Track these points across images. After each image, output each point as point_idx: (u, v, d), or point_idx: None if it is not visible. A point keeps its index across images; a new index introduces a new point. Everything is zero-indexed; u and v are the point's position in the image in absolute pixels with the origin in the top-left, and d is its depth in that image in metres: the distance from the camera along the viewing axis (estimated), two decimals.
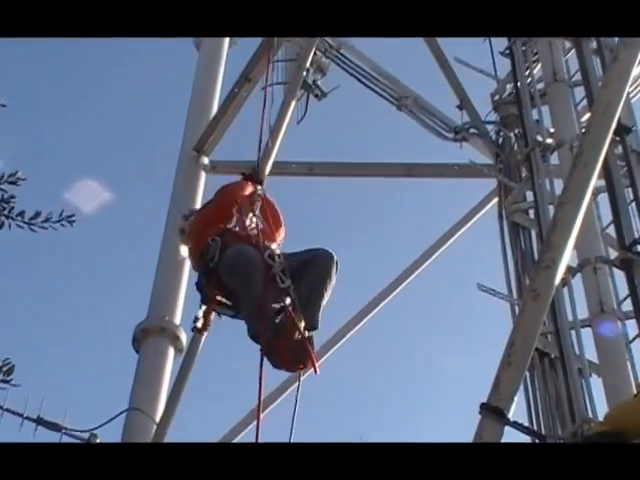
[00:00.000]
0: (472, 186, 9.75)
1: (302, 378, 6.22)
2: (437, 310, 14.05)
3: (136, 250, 13.46)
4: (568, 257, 5.02)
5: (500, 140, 9.34)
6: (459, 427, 10.40)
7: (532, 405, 7.30)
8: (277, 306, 6.28)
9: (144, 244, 12.48)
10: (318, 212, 13.67)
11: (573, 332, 6.82)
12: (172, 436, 7.49)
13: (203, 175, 9.76)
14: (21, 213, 6.53)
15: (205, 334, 6.82)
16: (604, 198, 7.32)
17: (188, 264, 8.45)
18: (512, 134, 9.19)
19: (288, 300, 6.24)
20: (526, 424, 6.27)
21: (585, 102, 8.05)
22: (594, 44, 8.20)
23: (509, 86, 9.27)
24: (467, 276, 11.16)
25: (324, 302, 6.37)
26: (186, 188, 9.58)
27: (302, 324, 6.13)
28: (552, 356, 7.25)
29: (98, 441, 7.57)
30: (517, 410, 4.61)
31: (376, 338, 11.47)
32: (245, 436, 8.32)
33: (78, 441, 7.59)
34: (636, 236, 7.01)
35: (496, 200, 9.01)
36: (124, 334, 8.77)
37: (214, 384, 12.24)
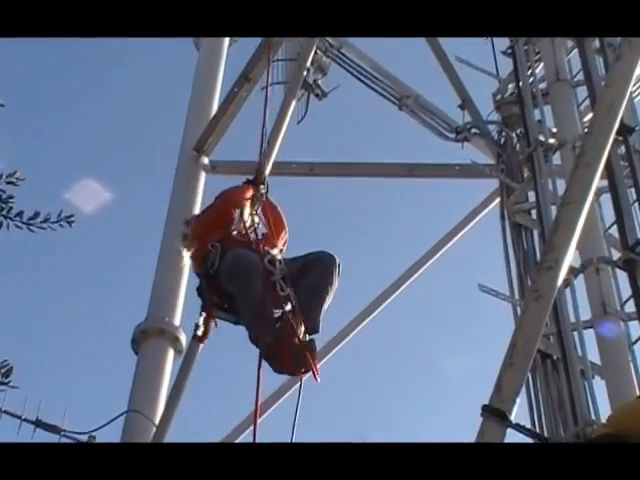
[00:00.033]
0: (474, 186, 9.76)
1: (303, 380, 6.18)
2: (439, 311, 14.05)
3: (136, 250, 13.50)
4: (570, 258, 4.97)
5: (502, 140, 9.30)
6: (461, 428, 10.40)
7: (534, 407, 7.25)
8: (277, 311, 6.27)
9: (144, 244, 12.53)
10: (319, 213, 13.69)
11: (575, 333, 6.79)
12: (171, 438, 7.52)
13: (203, 175, 9.75)
14: (20, 213, 6.49)
15: (205, 342, 6.77)
16: (607, 198, 7.28)
17: (188, 265, 8.43)
18: (514, 134, 9.16)
19: (288, 306, 6.22)
20: (528, 426, 6.24)
21: (588, 102, 8.01)
22: (597, 43, 8.17)
23: (511, 86, 9.22)
24: (469, 277, 11.17)
25: (326, 306, 6.36)
26: (186, 188, 9.57)
27: (302, 328, 6.10)
28: (554, 357, 7.23)
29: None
30: (519, 412, 4.58)
31: (378, 339, 11.48)
32: (245, 438, 8.26)
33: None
34: (639, 236, 6.97)
35: (498, 200, 8.97)
36: (123, 335, 8.80)
37: (214, 386, 12.25)
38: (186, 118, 10.15)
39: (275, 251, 6.58)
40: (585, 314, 6.93)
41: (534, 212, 8.19)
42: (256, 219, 6.90)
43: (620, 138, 7.15)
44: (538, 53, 8.79)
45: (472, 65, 9.40)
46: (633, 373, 6.65)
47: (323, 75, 9.27)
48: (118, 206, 12.20)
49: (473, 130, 9.47)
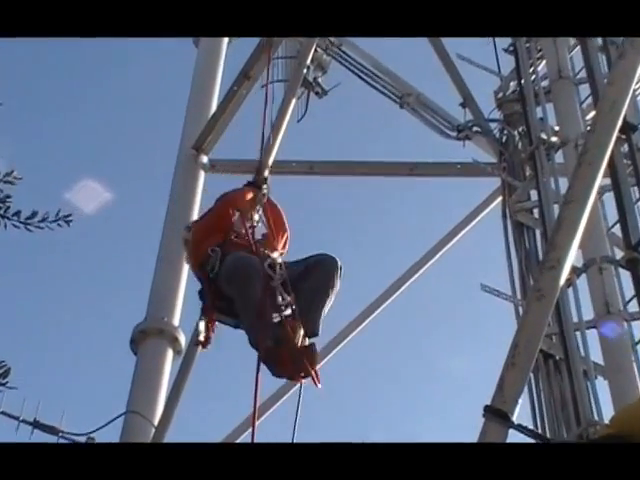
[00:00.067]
0: (475, 185, 9.74)
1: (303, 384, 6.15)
2: (440, 311, 14.00)
3: (135, 250, 13.48)
4: (573, 257, 4.91)
5: (504, 138, 9.27)
6: (463, 429, 10.37)
7: (537, 408, 7.25)
8: (277, 314, 6.24)
9: (143, 244, 12.50)
10: (319, 212, 13.64)
11: (578, 333, 6.76)
12: (171, 439, 7.52)
13: (202, 174, 9.73)
14: (17, 213, 6.49)
15: (209, 347, 6.72)
16: (610, 197, 7.25)
17: (187, 266, 8.41)
18: (516, 132, 9.13)
19: (288, 310, 6.20)
20: (530, 427, 6.20)
21: (590, 100, 7.98)
22: (599, 41, 8.12)
23: (513, 83, 9.19)
24: (470, 276, 11.14)
25: (326, 309, 6.34)
26: (185, 187, 9.54)
27: (301, 332, 6.06)
28: (557, 358, 7.21)
29: None
30: (521, 413, 4.52)
31: (379, 338, 11.45)
32: (245, 440, 8.20)
33: None
34: None
35: (500, 199, 8.94)
36: (122, 335, 8.78)
37: (213, 386, 12.21)
38: (185, 116, 10.14)
39: (275, 254, 6.52)
40: (588, 314, 6.92)
41: (536, 211, 8.18)
42: (256, 218, 6.84)
43: (623, 136, 7.09)
44: (540, 50, 8.76)
45: (474, 63, 9.38)
46: (636, 373, 6.62)
47: (323, 73, 9.22)
48: (117, 206, 12.20)
49: (475, 128, 9.43)
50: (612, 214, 7.24)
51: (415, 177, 10.01)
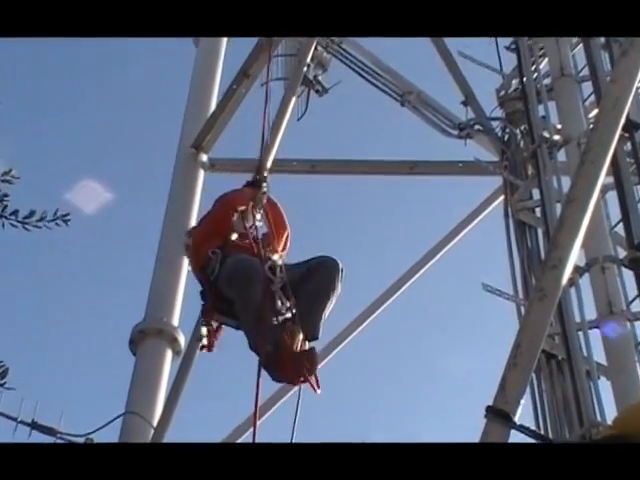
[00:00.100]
0: (477, 184, 9.71)
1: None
2: (442, 310, 13.98)
3: (134, 250, 13.46)
4: (576, 256, 4.88)
5: (506, 137, 9.26)
6: (464, 429, 10.34)
7: (539, 408, 7.24)
8: (277, 318, 6.21)
9: (142, 244, 12.49)
10: (319, 210, 13.60)
11: (581, 333, 6.73)
12: (170, 440, 7.47)
13: (202, 173, 9.70)
14: (15, 212, 6.44)
15: (214, 350, 6.68)
16: (612, 196, 7.21)
17: (186, 264, 8.39)
18: (518, 130, 9.11)
19: (288, 315, 6.17)
20: (533, 428, 6.18)
21: (593, 97, 7.95)
22: (602, 39, 8.09)
23: (515, 81, 9.18)
24: (472, 276, 11.11)
25: (326, 312, 6.31)
26: (184, 187, 9.52)
27: (300, 336, 6.02)
28: (559, 358, 7.20)
29: None
30: (523, 413, 4.47)
31: (380, 338, 11.43)
32: (245, 440, 8.17)
33: None
34: None
35: (502, 198, 8.92)
36: (121, 336, 8.75)
37: (213, 387, 12.17)
38: (184, 115, 10.12)
39: (276, 257, 6.48)
40: (590, 314, 6.89)
41: (538, 210, 8.16)
42: (257, 217, 6.79)
43: (626, 134, 7.07)
44: (542, 48, 8.74)
45: (475, 61, 9.37)
46: (639, 373, 6.59)
47: (324, 71, 9.18)
48: (117, 206, 12.17)
49: (476, 127, 9.41)
50: (615, 213, 7.25)
51: (416, 176, 9.97)
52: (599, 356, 6.74)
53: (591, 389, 6.49)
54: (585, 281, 7.00)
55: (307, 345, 6.13)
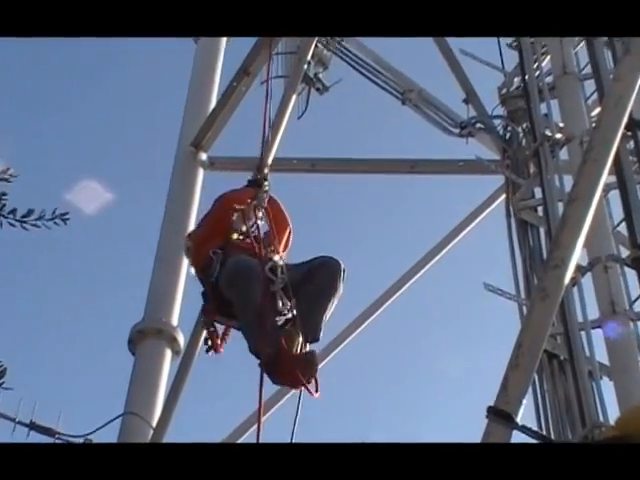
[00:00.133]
0: (478, 183, 9.68)
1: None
2: (443, 310, 13.98)
3: (133, 250, 13.45)
4: (578, 256, 4.83)
5: (507, 135, 9.24)
6: (465, 429, 10.32)
7: (541, 409, 7.21)
8: (278, 319, 6.17)
9: (141, 244, 12.47)
10: (319, 210, 13.55)
11: (583, 333, 6.71)
12: (169, 441, 7.35)
13: (201, 172, 9.67)
14: (13, 211, 6.41)
15: (222, 351, 6.64)
16: (615, 195, 7.20)
17: (185, 264, 8.39)
18: (520, 129, 9.09)
19: (289, 315, 6.14)
20: (535, 428, 6.15)
21: (595, 96, 7.93)
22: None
23: (517, 79, 9.17)
24: (473, 275, 11.08)
25: (328, 314, 6.29)
26: (183, 185, 9.48)
27: (300, 339, 5.99)
28: (561, 358, 7.18)
29: None
30: (525, 414, 4.43)
31: (380, 338, 11.39)
32: (245, 440, 8.23)
33: None
34: None
35: (503, 197, 8.91)
36: (120, 336, 8.72)
37: (212, 387, 12.11)
38: (184, 113, 10.09)
39: (277, 257, 6.44)
40: (593, 313, 6.87)
41: (540, 209, 8.13)
42: (259, 215, 6.74)
43: (629, 133, 7.05)
44: (545, 46, 8.71)
45: (477, 58, 9.35)
46: None
47: (324, 69, 9.19)
48: (116, 205, 12.12)
49: (478, 125, 9.39)
50: (618, 212, 7.22)
51: (417, 175, 9.94)
52: (601, 356, 6.73)
53: (593, 389, 6.47)
54: (587, 280, 6.99)
55: (307, 347, 6.09)
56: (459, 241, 9.37)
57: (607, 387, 6.56)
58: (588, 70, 8.12)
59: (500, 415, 4.29)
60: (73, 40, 8.85)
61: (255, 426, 6.06)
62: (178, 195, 9.39)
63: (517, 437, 4.35)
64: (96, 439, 7.54)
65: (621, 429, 4.49)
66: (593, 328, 6.75)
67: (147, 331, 8.48)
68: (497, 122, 9.34)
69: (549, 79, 8.47)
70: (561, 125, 8.10)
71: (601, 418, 6.32)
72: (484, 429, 4.28)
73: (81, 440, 7.54)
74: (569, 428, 6.94)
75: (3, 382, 6.11)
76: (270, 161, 7.24)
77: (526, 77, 8.46)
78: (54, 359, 13.88)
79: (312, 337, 6.14)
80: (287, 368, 5.91)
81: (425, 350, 13.85)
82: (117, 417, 7.76)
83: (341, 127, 13.14)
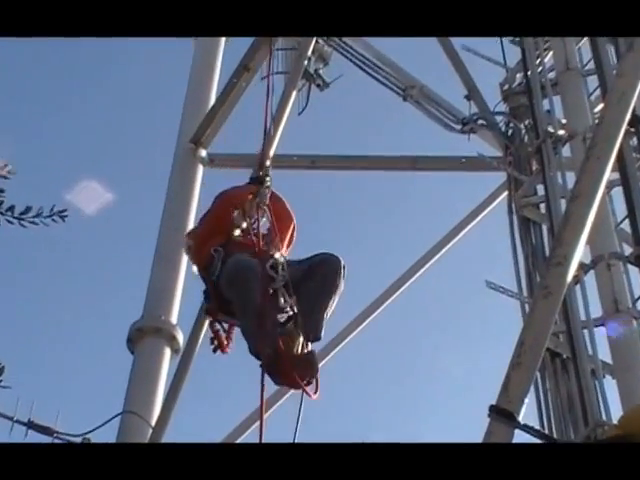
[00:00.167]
0: (480, 180, 9.69)
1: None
2: (444, 308, 13.97)
3: (132, 247, 13.47)
4: (581, 253, 4.84)
5: (510, 132, 9.20)
6: (466, 429, 10.30)
7: (543, 408, 7.21)
8: (279, 317, 6.17)
9: (140, 242, 12.46)
10: (320, 207, 13.53)
11: (586, 331, 6.69)
12: (168, 440, 7.36)
13: (201, 169, 9.64)
14: (11, 208, 6.39)
15: (228, 351, 6.61)
16: (618, 192, 7.18)
17: (185, 262, 8.38)
18: (522, 125, 9.07)
19: (290, 313, 6.13)
20: (537, 427, 6.14)
21: (599, 92, 7.90)
22: None
23: (519, 75, 9.13)
24: (475, 273, 11.02)
25: (329, 312, 6.27)
26: (183, 183, 9.45)
27: (301, 339, 5.95)
28: (564, 356, 7.17)
29: None
30: (527, 413, 4.44)
31: (381, 337, 11.39)
32: (245, 440, 8.18)
33: None
34: None
35: (505, 194, 8.88)
36: (119, 334, 8.69)
37: (212, 386, 12.10)
38: (183, 109, 10.06)
39: (278, 255, 6.40)
40: (596, 311, 6.84)
41: (543, 206, 8.11)
42: (261, 212, 6.70)
43: (632, 129, 7.03)
44: (547, 42, 8.68)
45: (479, 54, 9.31)
46: None
47: (325, 65, 9.15)
48: (115, 204, 12.10)
49: (480, 121, 9.35)
50: (621, 209, 7.20)
51: (418, 171, 9.95)
52: (604, 354, 6.71)
53: (596, 388, 6.46)
54: (590, 278, 6.97)
55: (309, 346, 6.06)
56: (461, 238, 9.37)
57: (610, 386, 6.55)
58: (591, 66, 8.09)
59: (502, 414, 4.29)
60: (73, 40, 8.83)
61: (254, 426, 6.04)
62: (177, 192, 9.36)
63: (519, 436, 4.36)
64: (95, 438, 7.53)
65: (624, 428, 4.55)
66: (596, 326, 6.73)
67: (146, 329, 8.44)
68: (499, 118, 9.30)
69: (552, 75, 8.44)
70: (564, 121, 8.09)
71: (604, 417, 6.30)
72: (486, 428, 4.29)
73: (80, 439, 7.52)
74: (572, 427, 6.94)
75: (1, 380, 6.09)
76: (270, 157, 7.23)
77: (528, 73, 8.45)
78: (53, 357, 13.91)
79: (314, 336, 6.11)
80: (287, 369, 5.88)
81: (426, 349, 13.86)
82: (116, 416, 7.74)
83: (342, 124, 13.17)
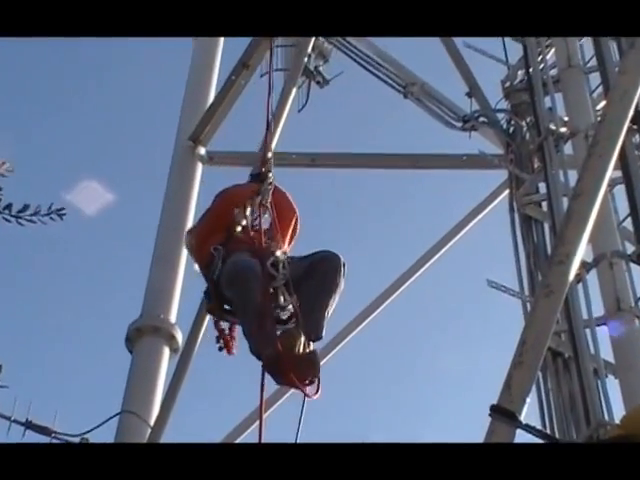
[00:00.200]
0: (482, 177, 9.70)
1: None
2: (445, 307, 14.00)
3: (130, 246, 13.48)
4: (583, 252, 4.85)
5: (511, 129, 9.21)
6: (467, 429, 10.31)
7: (545, 407, 7.23)
8: (281, 315, 6.14)
9: (138, 241, 12.46)
10: (320, 205, 13.52)
11: (588, 331, 6.69)
12: (167, 440, 7.38)
13: (200, 166, 9.62)
14: (8, 206, 6.36)
15: (234, 351, 6.57)
16: (621, 190, 7.20)
17: (183, 261, 8.36)
18: (524, 123, 9.07)
19: (290, 314, 6.11)
20: (539, 427, 6.13)
21: (601, 89, 7.93)
22: None
23: (521, 72, 9.14)
24: (477, 272, 11.03)
25: (329, 311, 6.22)
26: (181, 181, 9.43)
27: (302, 339, 5.92)
28: (566, 356, 7.19)
29: None
30: (529, 412, 4.45)
31: (381, 336, 11.40)
32: (244, 440, 8.17)
33: None
34: None
35: (507, 192, 8.87)
36: (117, 333, 8.67)
37: (211, 386, 12.10)
38: (182, 107, 10.04)
39: (279, 252, 6.37)
40: (598, 310, 6.86)
41: (545, 204, 8.13)
42: (263, 209, 6.67)
43: (635, 127, 7.08)
44: (549, 39, 8.68)
45: (480, 51, 9.32)
46: None
47: (325, 62, 9.12)
48: (114, 203, 12.11)
49: (481, 119, 9.36)
50: (623, 207, 7.22)
51: (419, 169, 9.94)
52: (607, 354, 6.71)
53: (598, 387, 6.47)
54: (592, 277, 6.97)
55: (311, 346, 6.03)
56: (462, 237, 9.37)
57: (612, 385, 6.56)
58: (593, 63, 8.10)
59: (504, 414, 4.30)
60: (72, 40, 8.84)
61: (254, 426, 6.01)
62: (176, 190, 9.34)
63: (521, 436, 4.36)
64: (93, 438, 7.52)
65: (626, 428, 4.55)
66: (598, 325, 6.73)
67: (145, 329, 8.42)
68: (501, 116, 9.32)
69: (554, 72, 8.46)
70: (566, 119, 8.10)
71: (606, 417, 6.31)
72: (487, 428, 4.28)
73: (78, 439, 7.51)
74: (574, 427, 6.95)
75: None
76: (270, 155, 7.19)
77: (530, 70, 8.46)
78: (51, 357, 13.93)
79: (315, 335, 6.07)
80: (290, 369, 5.85)
81: (427, 348, 13.89)
82: (114, 416, 7.74)
83: (342, 121, 13.16)
